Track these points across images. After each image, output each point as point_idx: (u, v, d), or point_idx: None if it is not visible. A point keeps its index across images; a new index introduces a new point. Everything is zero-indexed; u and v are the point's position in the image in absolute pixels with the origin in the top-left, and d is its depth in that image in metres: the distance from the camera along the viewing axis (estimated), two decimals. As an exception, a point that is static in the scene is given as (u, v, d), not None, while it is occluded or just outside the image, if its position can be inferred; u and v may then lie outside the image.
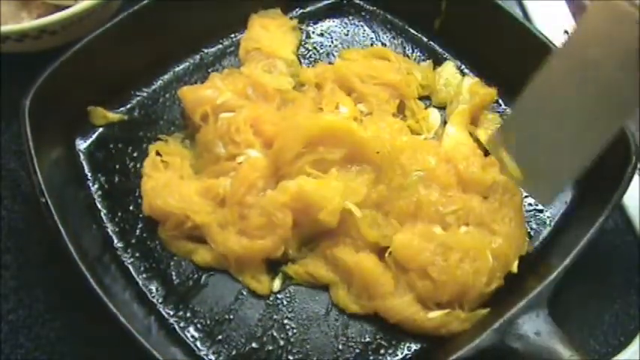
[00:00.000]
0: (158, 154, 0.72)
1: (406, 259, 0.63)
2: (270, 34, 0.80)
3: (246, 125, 0.70)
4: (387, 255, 0.64)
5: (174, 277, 0.67)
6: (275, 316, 0.65)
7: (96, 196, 0.71)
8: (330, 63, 0.79)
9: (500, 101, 0.77)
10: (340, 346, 0.63)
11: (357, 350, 0.63)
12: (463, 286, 0.61)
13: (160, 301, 0.65)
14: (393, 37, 0.82)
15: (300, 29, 0.82)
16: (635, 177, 0.69)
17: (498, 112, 0.77)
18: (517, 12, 0.79)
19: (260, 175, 0.67)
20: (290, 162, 0.67)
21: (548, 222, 0.70)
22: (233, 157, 0.69)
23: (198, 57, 0.80)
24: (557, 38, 0.81)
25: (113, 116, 0.75)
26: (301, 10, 0.84)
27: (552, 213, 0.70)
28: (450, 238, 0.64)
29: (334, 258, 0.66)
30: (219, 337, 0.63)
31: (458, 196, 0.66)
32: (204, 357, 0.62)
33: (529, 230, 0.69)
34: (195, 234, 0.67)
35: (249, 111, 0.71)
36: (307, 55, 0.81)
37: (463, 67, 0.80)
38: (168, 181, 0.69)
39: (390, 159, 0.67)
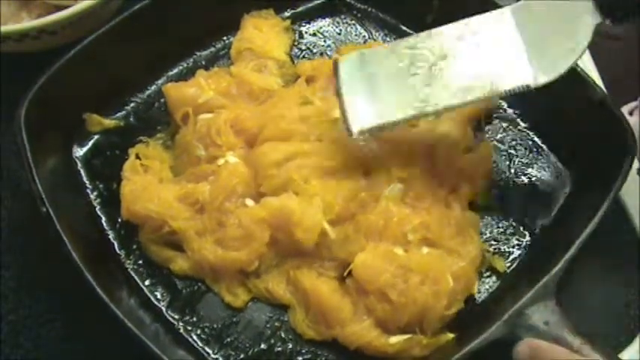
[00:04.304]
0: (138, 157, 0.72)
1: (366, 281, 0.62)
2: (263, 35, 0.79)
3: (227, 126, 0.69)
4: (345, 274, 0.63)
5: (177, 282, 0.66)
6: (282, 317, 0.64)
7: (95, 204, 0.70)
8: (325, 61, 0.79)
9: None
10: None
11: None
12: (422, 308, 0.60)
13: (165, 306, 0.65)
14: (386, 35, 0.82)
15: (293, 29, 0.82)
16: (636, 177, 0.71)
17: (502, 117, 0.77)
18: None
19: (239, 181, 0.66)
20: (270, 166, 0.66)
21: (548, 215, 0.70)
22: (213, 159, 0.69)
23: (191, 60, 0.80)
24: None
25: (109, 122, 0.74)
26: (292, 11, 0.84)
27: (552, 207, 0.71)
28: (411, 259, 0.62)
29: (295, 279, 0.64)
30: (227, 339, 0.63)
31: (426, 210, 0.66)
32: (213, 361, 0.62)
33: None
34: (173, 240, 0.67)
35: (229, 112, 0.70)
36: (301, 56, 0.81)
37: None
38: (148, 185, 0.68)
39: (377, 163, 0.66)
